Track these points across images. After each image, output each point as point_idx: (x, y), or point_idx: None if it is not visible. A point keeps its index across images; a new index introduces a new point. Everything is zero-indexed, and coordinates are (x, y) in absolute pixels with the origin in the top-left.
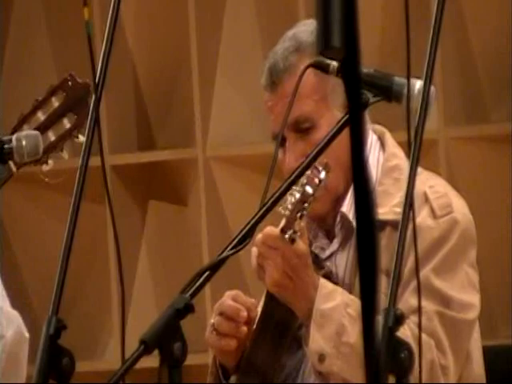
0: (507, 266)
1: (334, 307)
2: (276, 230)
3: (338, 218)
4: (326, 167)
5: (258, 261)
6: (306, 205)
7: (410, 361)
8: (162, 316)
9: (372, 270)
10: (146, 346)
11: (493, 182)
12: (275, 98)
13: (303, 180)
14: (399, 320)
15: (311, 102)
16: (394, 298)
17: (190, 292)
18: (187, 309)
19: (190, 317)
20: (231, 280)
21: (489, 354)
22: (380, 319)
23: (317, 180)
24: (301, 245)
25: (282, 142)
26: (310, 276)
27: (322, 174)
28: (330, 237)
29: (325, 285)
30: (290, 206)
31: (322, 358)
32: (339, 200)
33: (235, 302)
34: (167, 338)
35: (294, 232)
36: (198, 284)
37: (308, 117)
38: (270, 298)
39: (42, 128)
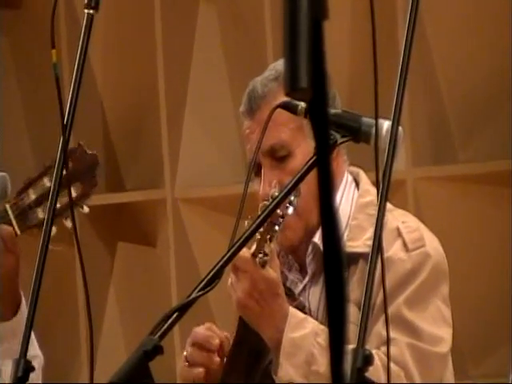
0: (474, 305)
1: (304, 336)
2: (248, 253)
3: (310, 249)
4: (296, 191)
5: (231, 280)
6: (275, 227)
7: None
8: (131, 358)
9: (340, 299)
10: None
11: (460, 222)
12: (253, 125)
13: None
14: (368, 361)
15: (287, 130)
16: (362, 338)
17: (158, 334)
18: (156, 350)
19: (158, 358)
20: (200, 321)
21: None
22: (349, 351)
23: (287, 202)
24: (271, 272)
25: (257, 171)
26: (279, 305)
27: (292, 197)
28: (304, 271)
29: (295, 314)
30: (260, 229)
31: None
32: (312, 230)
33: (207, 331)
34: (136, 380)
35: (265, 255)
36: (166, 325)
37: (284, 145)
38: (243, 326)
39: (48, 194)
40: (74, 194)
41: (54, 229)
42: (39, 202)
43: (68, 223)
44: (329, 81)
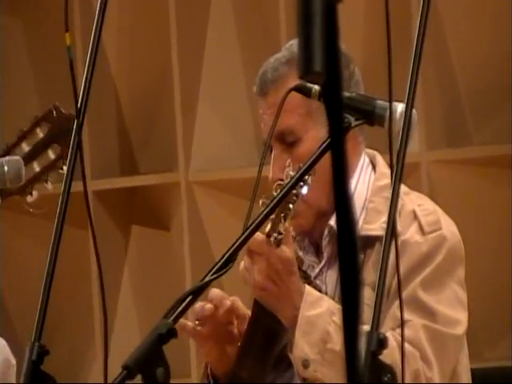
0: (490, 289)
1: (320, 314)
2: (261, 235)
3: (326, 232)
4: (311, 170)
5: (245, 264)
6: (290, 206)
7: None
8: (145, 341)
9: (354, 282)
10: (128, 371)
11: (474, 203)
12: (264, 106)
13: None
14: (382, 344)
15: (296, 117)
16: (377, 321)
17: (172, 317)
18: (170, 334)
19: (172, 341)
20: None
21: (473, 376)
22: (363, 330)
23: (300, 181)
24: (286, 250)
25: (271, 152)
26: (295, 283)
27: (306, 176)
28: (320, 254)
29: (311, 292)
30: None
31: (305, 363)
32: (325, 214)
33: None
34: (150, 362)
35: (279, 233)
36: (180, 309)
37: (293, 130)
38: (258, 307)
39: (27, 159)
40: (52, 156)
41: (35, 193)
42: (34, 154)
43: (49, 186)
44: (351, 62)
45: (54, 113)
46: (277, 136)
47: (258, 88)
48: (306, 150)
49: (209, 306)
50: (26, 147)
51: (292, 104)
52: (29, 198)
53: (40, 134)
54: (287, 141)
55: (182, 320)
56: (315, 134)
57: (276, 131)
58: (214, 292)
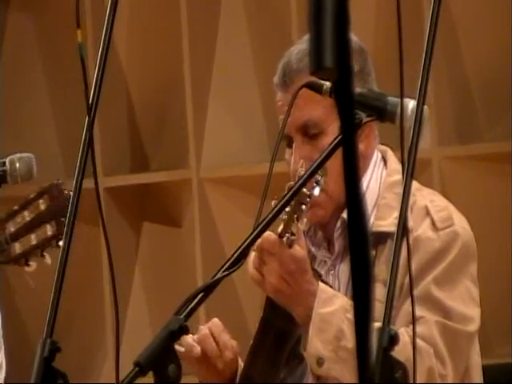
0: (502, 284)
1: (334, 312)
2: (274, 235)
3: (338, 224)
4: (323, 170)
5: (256, 265)
6: (303, 207)
7: (405, 380)
8: (157, 338)
9: (366, 277)
10: (140, 368)
11: (486, 200)
12: (285, 98)
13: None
14: (393, 340)
15: (320, 108)
16: (388, 317)
17: (184, 313)
18: (182, 330)
19: None
20: (225, 301)
21: (484, 372)
22: (375, 328)
23: (313, 182)
24: (298, 250)
25: (289, 142)
26: (308, 281)
27: (319, 177)
28: (333, 249)
29: (324, 290)
30: (287, 209)
31: (320, 361)
32: (342, 207)
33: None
34: (161, 359)
35: (292, 234)
36: (192, 305)
37: (317, 122)
38: (270, 306)
39: (26, 229)
40: (49, 232)
41: (33, 264)
42: (18, 235)
43: (47, 260)
44: (367, 55)
45: (56, 190)
46: (299, 127)
47: (281, 79)
48: (329, 142)
49: (181, 349)
50: (27, 216)
51: (318, 95)
52: (27, 269)
53: (42, 205)
54: (310, 133)
55: None
56: (338, 128)
57: (299, 122)
58: (185, 341)
